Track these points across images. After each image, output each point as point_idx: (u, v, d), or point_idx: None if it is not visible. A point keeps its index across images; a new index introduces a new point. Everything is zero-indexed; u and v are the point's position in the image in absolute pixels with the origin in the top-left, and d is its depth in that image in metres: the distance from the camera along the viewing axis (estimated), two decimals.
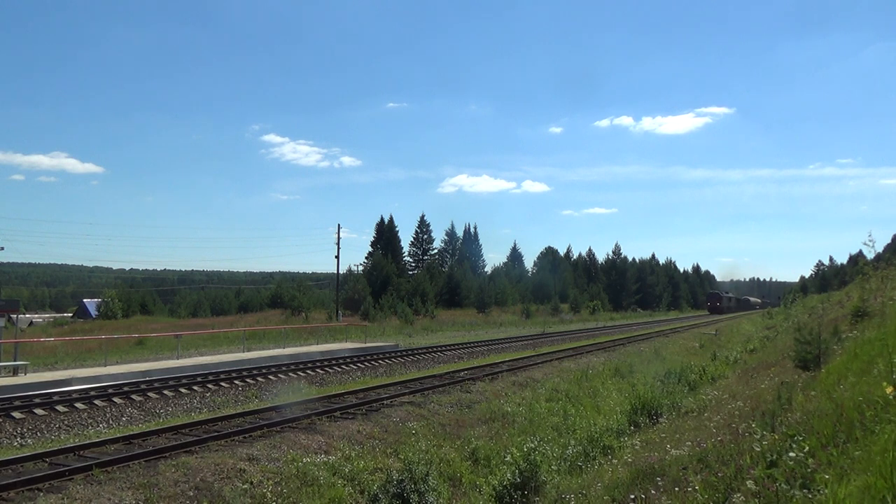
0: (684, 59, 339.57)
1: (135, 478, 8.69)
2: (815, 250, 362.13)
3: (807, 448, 5.31)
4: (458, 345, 31.28)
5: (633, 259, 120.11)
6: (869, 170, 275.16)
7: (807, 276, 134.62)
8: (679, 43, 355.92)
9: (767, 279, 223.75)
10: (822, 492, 4.25)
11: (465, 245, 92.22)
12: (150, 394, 15.71)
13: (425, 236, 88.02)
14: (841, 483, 4.12)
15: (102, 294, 75.05)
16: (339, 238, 56.30)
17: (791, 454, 5.24)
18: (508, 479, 9.32)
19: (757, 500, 4.67)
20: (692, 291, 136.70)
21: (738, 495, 4.80)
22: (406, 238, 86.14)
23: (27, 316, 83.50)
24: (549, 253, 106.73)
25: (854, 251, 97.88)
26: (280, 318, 53.79)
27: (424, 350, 28.29)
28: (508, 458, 10.12)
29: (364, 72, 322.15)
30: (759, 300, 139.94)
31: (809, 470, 4.76)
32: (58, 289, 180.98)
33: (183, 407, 15.24)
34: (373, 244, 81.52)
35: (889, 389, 5.34)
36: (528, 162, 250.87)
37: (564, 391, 18.08)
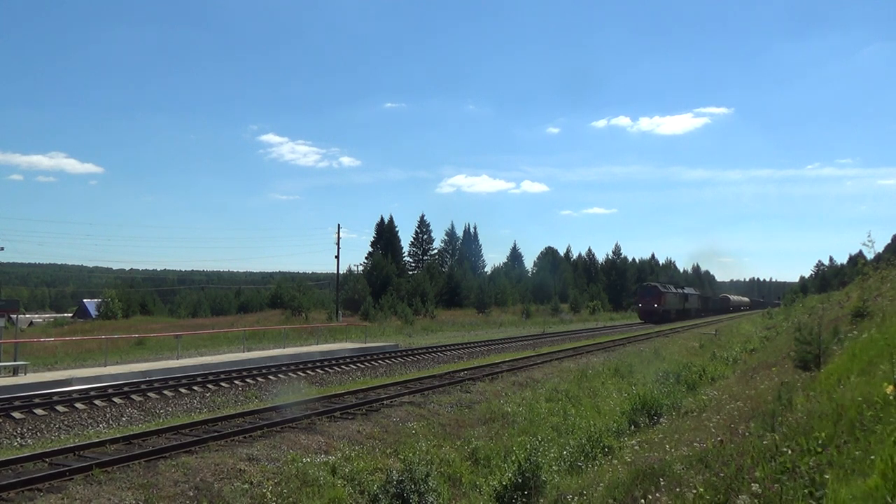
0: (682, 60, 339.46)
1: (135, 478, 8.69)
2: (815, 250, 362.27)
3: (807, 448, 5.31)
4: (458, 345, 31.27)
5: (633, 259, 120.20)
6: (868, 170, 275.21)
7: (806, 276, 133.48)
8: (676, 43, 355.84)
9: (767, 279, 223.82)
10: (823, 493, 4.25)
11: (465, 245, 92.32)
12: (150, 394, 15.71)
13: (425, 236, 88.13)
14: (842, 483, 4.12)
15: (102, 294, 75.07)
16: (338, 238, 56.36)
17: (792, 455, 5.24)
18: (509, 479, 9.32)
19: (758, 501, 4.67)
20: None
21: (744, 497, 4.80)
22: (406, 238, 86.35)
23: (27, 316, 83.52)
24: (549, 253, 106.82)
25: (854, 251, 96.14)
26: (280, 318, 53.79)
27: (424, 350, 28.28)
28: (513, 457, 10.12)
29: (362, 72, 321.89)
30: (745, 300, 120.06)
31: (810, 470, 4.76)
32: (58, 289, 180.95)
33: (183, 407, 15.24)
34: (373, 244, 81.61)
35: (889, 389, 5.34)
36: (526, 162, 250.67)
37: (564, 391, 18.07)
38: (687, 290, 76.74)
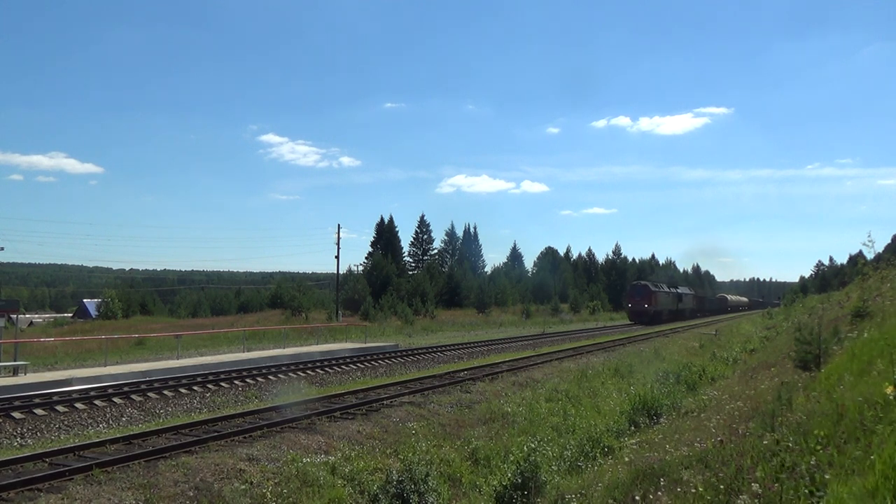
0: (682, 60, 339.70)
1: (135, 478, 8.69)
2: (815, 250, 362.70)
3: (807, 448, 5.31)
4: (458, 345, 31.27)
5: (633, 259, 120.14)
6: (868, 170, 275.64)
7: (807, 276, 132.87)
8: (676, 43, 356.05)
9: (767, 279, 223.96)
10: (823, 493, 4.25)
11: (465, 245, 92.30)
12: (150, 394, 15.71)
13: (425, 236, 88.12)
14: (842, 483, 4.12)
15: (102, 294, 75.08)
16: (338, 238, 56.34)
17: (792, 454, 5.24)
18: (509, 479, 9.32)
19: (759, 501, 4.67)
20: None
21: (744, 497, 4.80)
22: (406, 238, 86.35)
23: (27, 316, 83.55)
24: (549, 253, 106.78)
25: (854, 251, 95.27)
26: (280, 318, 53.78)
27: (424, 350, 28.28)
28: (511, 457, 10.12)
29: (362, 72, 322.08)
30: (744, 299, 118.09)
31: (811, 470, 4.76)
32: (58, 289, 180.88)
33: (183, 407, 15.24)
34: (373, 244, 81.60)
35: (889, 389, 5.35)
36: (526, 162, 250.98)
37: (564, 391, 18.07)
38: (681, 290, 73.76)
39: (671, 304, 65.95)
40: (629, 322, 60.18)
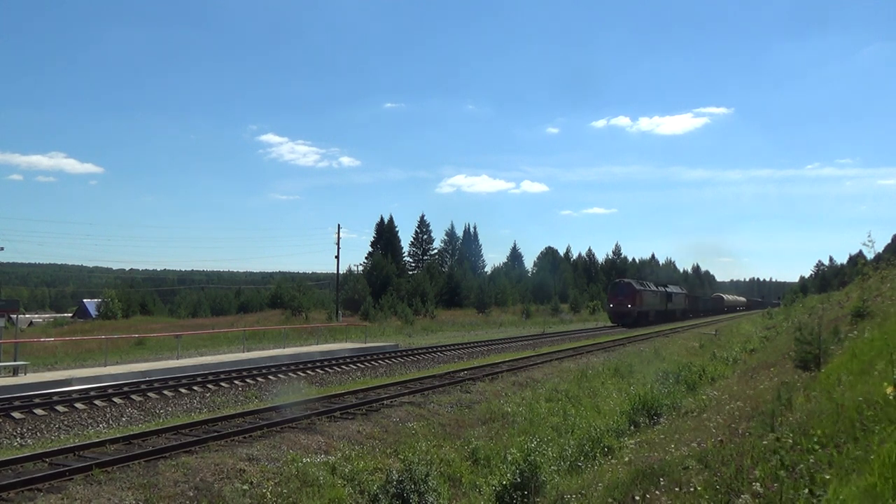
0: (682, 60, 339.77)
1: (135, 478, 8.69)
2: (815, 250, 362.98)
3: (807, 448, 5.31)
4: (458, 345, 31.27)
5: (633, 259, 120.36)
6: (868, 170, 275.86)
7: (806, 276, 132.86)
8: (676, 43, 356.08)
9: (767, 279, 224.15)
10: (823, 492, 4.25)
11: (465, 245, 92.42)
12: (150, 394, 15.71)
13: (425, 236, 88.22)
14: (842, 483, 4.13)
15: (102, 294, 75.18)
16: (338, 238, 56.35)
17: (792, 454, 5.25)
18: (509, 480, 9.32)
19: (759, 501, 4.67)
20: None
21: (744, 496, 4.80)
22: (406, 238, 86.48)
23: (27, 316, 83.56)
24: (549, 253, 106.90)
25: (854, 251, 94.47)
26: (280, 318, 53.80)
27: (424, 350, 28.28)
28: (510, 458, 10.12)
29: (361, 72, 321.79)
30: (741, 299, 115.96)
31: (810, 469, 4.76)
32: (58, 289, 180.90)
33: (183, 407, 15.23)
34: (373, 244, 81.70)
35: (889, 389, 5.34)
36: (526, 162, 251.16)
37: (564, 391, 18.07)
38: (671, 289, 68.19)
39: (659, 305, 61.63)
40: (611, 324, 53.93)
